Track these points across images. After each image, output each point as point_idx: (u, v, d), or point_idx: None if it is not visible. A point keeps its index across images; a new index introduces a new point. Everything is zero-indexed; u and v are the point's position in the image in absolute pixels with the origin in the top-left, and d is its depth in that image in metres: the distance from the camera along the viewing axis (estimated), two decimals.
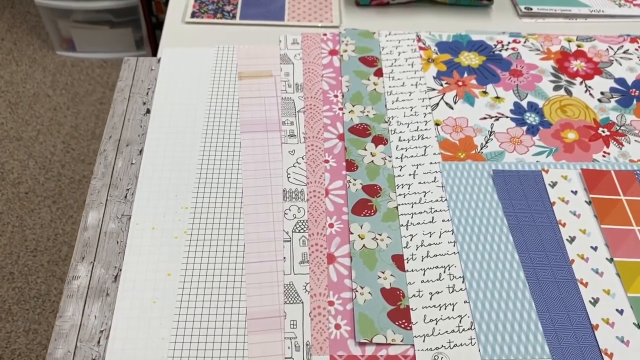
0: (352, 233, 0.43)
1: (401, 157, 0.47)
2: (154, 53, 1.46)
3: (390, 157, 0.47)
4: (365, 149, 0.48)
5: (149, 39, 1.45)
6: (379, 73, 0.54)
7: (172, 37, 0.57)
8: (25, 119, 1.39)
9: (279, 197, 0.45)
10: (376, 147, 0.48)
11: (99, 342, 0.37)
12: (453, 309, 0.39)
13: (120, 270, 0.40)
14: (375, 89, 0.52)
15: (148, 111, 0.49)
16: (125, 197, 0.44)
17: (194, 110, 0.50)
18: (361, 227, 0.43)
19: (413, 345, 0.38)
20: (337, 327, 0.38)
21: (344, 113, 0.51)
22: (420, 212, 0.44)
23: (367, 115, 0.50)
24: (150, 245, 0.41)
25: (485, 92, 0.53)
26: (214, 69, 0.53)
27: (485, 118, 0.51)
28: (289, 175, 0.46)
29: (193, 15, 0.58)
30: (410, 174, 0.46)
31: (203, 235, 0.42)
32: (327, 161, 0.47)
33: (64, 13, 1.44)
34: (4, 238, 1.17)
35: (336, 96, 0.52)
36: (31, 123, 1.38)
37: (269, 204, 0.45)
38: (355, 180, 0.46)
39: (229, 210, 0.44)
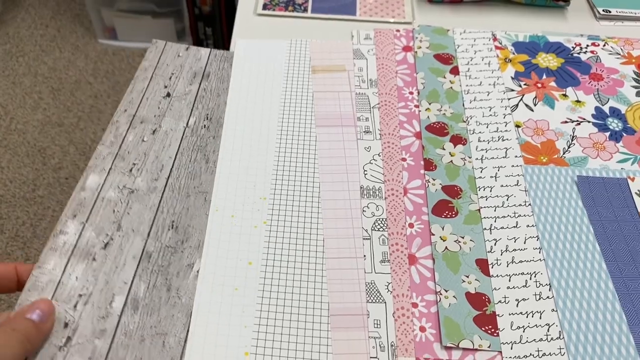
0: (433, 234, 0.42)
1: (481, 159, 0.46)
2: (195, 43, 1.46)
3: (469, 157, 0.46)
4: (444, 149, 0.47)
5: (191, 29, 1.45)
6: (455, 71, 0.52)
7: (244, 29, 0.56)
8: (67, 105, 1.40)
9: (356, 193, 0.44)
10: (455, 146, 0.47)
11: (75, 306, 0.35)
12: (540, 317, 0.38)
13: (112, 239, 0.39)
14: (451, 87, 0.51)
15: (168, 95, 0.49)
16: (130, 171, 0.43)
17: (269, 102, 0.50)
18: (442, 228, 0.42)
19: (500, 352, 0.37)
20: (422, 329, 0.37)
21: (420, 111, 0.50)
22: (504, 216, 0.43)
23: (444, 113, 0.49)
24: (230, 232, 0.41)
25: (565, 95, 0.51)
26: (287, 62, 0.53)
27: (566, 122, 0.49)
28: (365, 172, 0.45)
29: (264, 7, 0.58)
30: (491, 176, 0.45)
31: (282, 226, 0.42)
32: (404, 159, 0.46)
33: (108, 2, 1.45)
34: (44, 222, 1.18)
35: (411, 93, 0.51)
36: (72, 109, 1.39)
37: (346, 200, 0.44)
38: (434, 180, 0.45)
39: (307, 204, 0.43)
